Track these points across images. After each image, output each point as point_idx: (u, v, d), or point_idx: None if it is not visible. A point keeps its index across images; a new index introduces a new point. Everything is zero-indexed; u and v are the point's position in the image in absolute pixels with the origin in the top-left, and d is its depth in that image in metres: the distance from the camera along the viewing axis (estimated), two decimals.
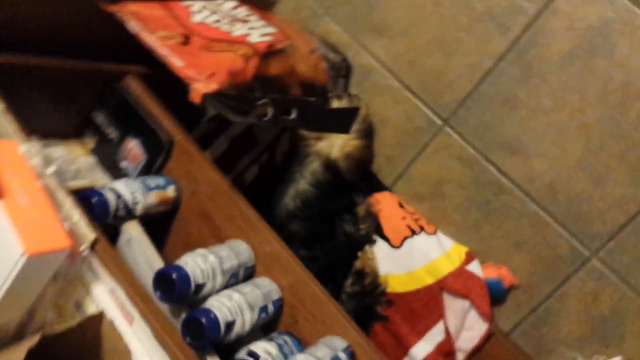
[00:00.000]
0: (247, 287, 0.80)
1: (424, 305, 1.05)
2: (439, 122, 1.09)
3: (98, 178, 0.94)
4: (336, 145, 1.04)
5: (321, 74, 1.07)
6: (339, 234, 1.03)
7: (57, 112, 0.93)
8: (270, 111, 0.80)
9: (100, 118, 0.96)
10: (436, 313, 1.04)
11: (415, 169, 1.11)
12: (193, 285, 0.76)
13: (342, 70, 1.14)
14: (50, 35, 0.85)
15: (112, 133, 0.95)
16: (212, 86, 0.79)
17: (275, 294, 0.83)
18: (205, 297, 0.78)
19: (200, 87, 0.79)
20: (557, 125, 1.00)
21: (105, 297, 0.66)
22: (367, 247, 1.08)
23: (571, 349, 1.02)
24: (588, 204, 0.98)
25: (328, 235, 1.02)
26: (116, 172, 0.95)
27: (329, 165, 1.03)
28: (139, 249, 0.84)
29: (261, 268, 0.87)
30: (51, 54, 0.85)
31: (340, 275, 1.06)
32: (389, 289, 1.08)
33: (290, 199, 1.01)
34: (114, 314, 0.65)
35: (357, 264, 1.07)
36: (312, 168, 1.03)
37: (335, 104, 1.05)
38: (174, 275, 0.74)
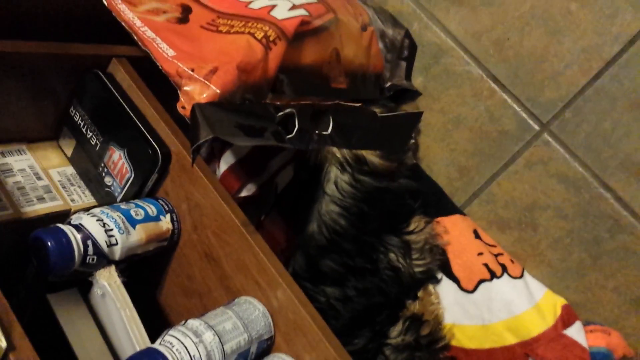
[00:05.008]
0: None
1: None
2: (535, 126, 0.81)
3: (75, 199, 0.71)
4: None
5: (376, 57, 0.80)
6: (382, 267, 0.77)
7: (25, 108, 0.70)
8: (295, 124, 0.54)
9: (79, 116, 0.73)
10: None
11: (499, 188, 0.84)
12: None
13: (404, 51, 0.87)
14: (15, 13, 0.62)
15: (94, 137, 0.72)
16: (211, 91, 0.53)
17: None
18: None
19: (195, 92, 0.53)
20: None
21: None
22: (430, 287, 0.83)
23: None
24: None
25: (367, 269, 0.76)
26: (100, 189, 0.72)
27: (350, 165, 0.73)
28: (115, 307, 0.61)
29: (281, 340, 0.63)
30: (15, 36, 0.63)
31: (382, 321, 0.81)
32: (454, 342, 0.83)
33: (315, 226, 0.74)
34: None
35: (414, 307, 0.82)
36: (331, 177, 0.74)
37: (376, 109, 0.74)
38: None
